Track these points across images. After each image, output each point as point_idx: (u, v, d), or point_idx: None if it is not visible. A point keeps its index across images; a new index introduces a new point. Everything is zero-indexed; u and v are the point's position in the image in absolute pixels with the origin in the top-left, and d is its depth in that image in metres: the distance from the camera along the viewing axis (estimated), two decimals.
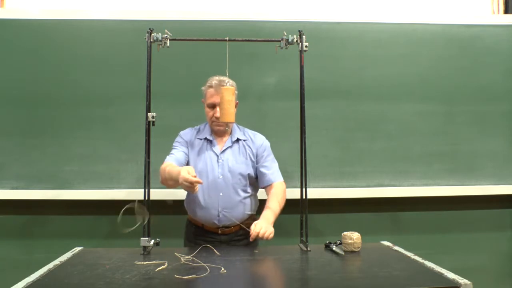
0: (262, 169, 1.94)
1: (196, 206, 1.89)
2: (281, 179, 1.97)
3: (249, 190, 1.94)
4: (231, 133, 1.97)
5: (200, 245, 1.82)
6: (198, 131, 1.99)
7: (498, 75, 2.60)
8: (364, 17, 2.55)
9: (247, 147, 1.96)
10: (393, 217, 2.61)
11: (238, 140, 1.96)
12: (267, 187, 1.94)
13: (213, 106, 1.88)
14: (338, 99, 2.52)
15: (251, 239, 1.70)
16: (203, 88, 1.93)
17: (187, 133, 1.98)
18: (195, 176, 1.61)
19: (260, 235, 1.68)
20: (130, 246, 1.84)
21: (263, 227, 1.71)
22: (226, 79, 1.88)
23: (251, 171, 1.94)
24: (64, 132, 2.41)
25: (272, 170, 1.96)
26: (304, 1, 2.73)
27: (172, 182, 1.75)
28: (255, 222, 1.74)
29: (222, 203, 1.87)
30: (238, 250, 1.76)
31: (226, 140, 1.95)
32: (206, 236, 1.90)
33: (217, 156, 1.91)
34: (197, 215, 1.90)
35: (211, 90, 1.87)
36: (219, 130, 1.93)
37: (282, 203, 1.89)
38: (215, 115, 1.87)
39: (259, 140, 1.99)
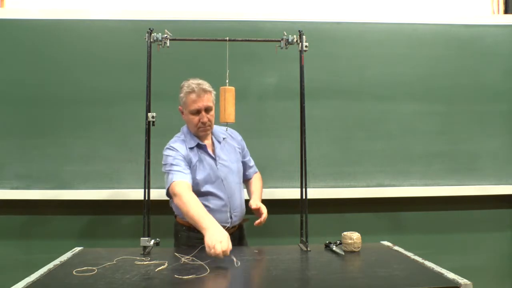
0: (247, 162, 2.05)
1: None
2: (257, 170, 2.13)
3: (242, 186, 1.98)
4: (212, 134, 1.93)
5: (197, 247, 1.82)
6: (184, 140, 1.87)
7: (498, 75, 2.60)
8: (364, 17, 2.55)
9: (231, 143, 1.96)
10: (393, 217, 2.61)
11: (224, 139, 1.95)
12: (251, 177, 2.08)
13: (197, 112, 1.80)
14: (338, 99, 2.52)
15: (261, 221, 1.83)
16: (181, 95, 1.83)
17: (181, 146, 1.83)
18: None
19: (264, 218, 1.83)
20: (130, 246, 1.84)
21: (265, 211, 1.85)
22: (201, 81, 1.83)
23: (241, 166, 1.98)
24: (64, 132, 2.41)
25: (252, 162, 2.10)
26: (304, 1, 2.73)
27: (193, 220, 1.62)
28: (260, 205, 1.84)
29: (232, 204, 1.86)
30: (238, 250, 1.75)
31: (212, 142, 1.92)
32: (200, 239, 1.83)
33: (215, 159, 1.87)
34: None
35: (193, 96, 1.78)
36: (204, 135, 1.87)
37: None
38: (201, 120, 1.80)
39: (237, 135, 2.03)
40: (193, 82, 1.81)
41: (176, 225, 1.96)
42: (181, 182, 1.72)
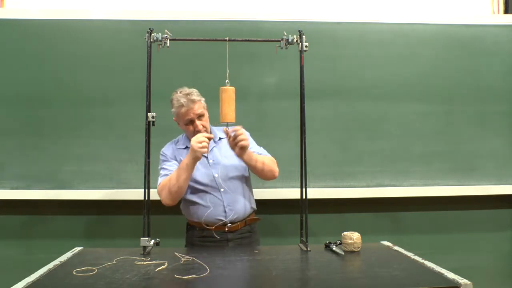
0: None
1: (200, 208, 1.88)
2: (270, 155, 1.98)
3: (246, 183, 1.96)
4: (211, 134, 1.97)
5: (207, 247, 1.83)
6: (177, 142, 1.99)
7: (498, 75, 2.60)
8: (364, 17, 2.56)
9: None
10: (393, 217, 2.61)
11: (220, 139, 1.98)
12: None
13: (191, 122, 1.87)
14: (338, 99, 2.52)
15: (227, 133, 1.74)
16: (173, 109, 1.88)
17: (168, 148, 1.98)
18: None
19: (238, 134, 1.72)
20: (130, 246, 1.84)
21: (244, 133, 1.74)
22: (189, 90, 1.87)
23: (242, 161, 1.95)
24: (64, 132, 2.41)
25: (260, 150, 1.98)
26: (304, 1, 2.73)
27: (187, 173, 1.76)
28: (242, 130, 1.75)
29: (226, 198, 1.87)
30: (238, 250, 1.76)
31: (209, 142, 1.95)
32: (212, 236, 1.88)
33: (206, 157, 1.91)
34: (201, 217, 1.87)
35: (183, 110, 1.83)
36: None
37: (264, 164, 1.88)
38: (196, 129, 1.86)
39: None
40: (181, 95, 1.86)
41: (187, 226, 2.00)
42: (161, 183, 1.86)
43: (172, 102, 1.88)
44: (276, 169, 1.93)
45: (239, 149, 1.75)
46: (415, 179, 2.54)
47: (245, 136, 1.74)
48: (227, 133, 1.75)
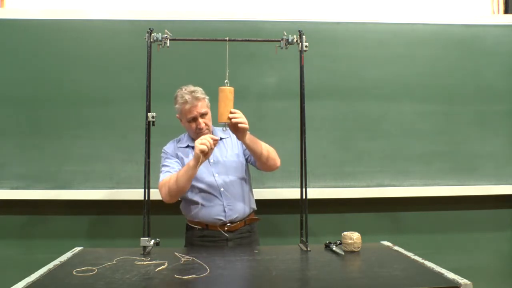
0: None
1: (199, 207, 1.88)
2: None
3: (246, 183, 1.97)
4: (212, 134, 1.96)
5: (206, 247, 1.83)
6: (179, 141, 2.00)
7: (498, 75, 2.60)
8: (364, 17, 2.56)
9: (230, 140, 1.99)
10: (393, 217, 2.61)
11: (221, 139, 1.98)
12: None
13: (194, 119, 1.87)
14: (338, 99, 2.52)
15: (231, 115, 1.69)
16: (176, 106, 1.88)
17: (169, 147, 1.98)
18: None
19: (239, 119, 1.69)
20: (130, 246, 1.84)
21: (242, 116, 1.71)
22: (194, 88, 1.87)
23: (242, 160, 1.97)
24: (64, 132, 2.41)
25: None
26: (303, 1, 2.73)
27: (188, 174, 1.74)
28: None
29: (226, 197, 1.88)
30: (238, 250, 1.76)
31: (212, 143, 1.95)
32: (211, 236, 1.89)
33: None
34: (201, 216, 1.89)
35: (187, 106, 1.84)
36: None
37: (269, 152, 1.87)
38: (198, 127, 1.87)
39: None
40: (185, 92, 1.86)
41: (186, 226, 2.00)
42: (163, 180, 1.86)
43: (176, 98, 1.88)
44: (278, 159, 1.93)
45: (239, 132, 1.74)
46: (415, 179, 2.54)
47: (244, 119, 1.71)
48: (229, 119, 1.70)
